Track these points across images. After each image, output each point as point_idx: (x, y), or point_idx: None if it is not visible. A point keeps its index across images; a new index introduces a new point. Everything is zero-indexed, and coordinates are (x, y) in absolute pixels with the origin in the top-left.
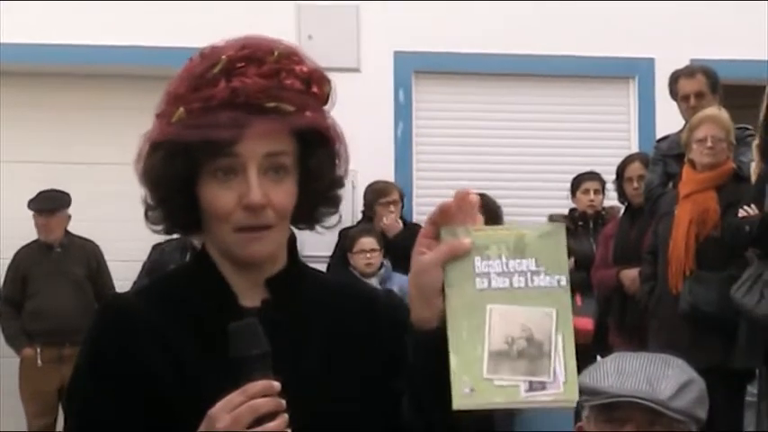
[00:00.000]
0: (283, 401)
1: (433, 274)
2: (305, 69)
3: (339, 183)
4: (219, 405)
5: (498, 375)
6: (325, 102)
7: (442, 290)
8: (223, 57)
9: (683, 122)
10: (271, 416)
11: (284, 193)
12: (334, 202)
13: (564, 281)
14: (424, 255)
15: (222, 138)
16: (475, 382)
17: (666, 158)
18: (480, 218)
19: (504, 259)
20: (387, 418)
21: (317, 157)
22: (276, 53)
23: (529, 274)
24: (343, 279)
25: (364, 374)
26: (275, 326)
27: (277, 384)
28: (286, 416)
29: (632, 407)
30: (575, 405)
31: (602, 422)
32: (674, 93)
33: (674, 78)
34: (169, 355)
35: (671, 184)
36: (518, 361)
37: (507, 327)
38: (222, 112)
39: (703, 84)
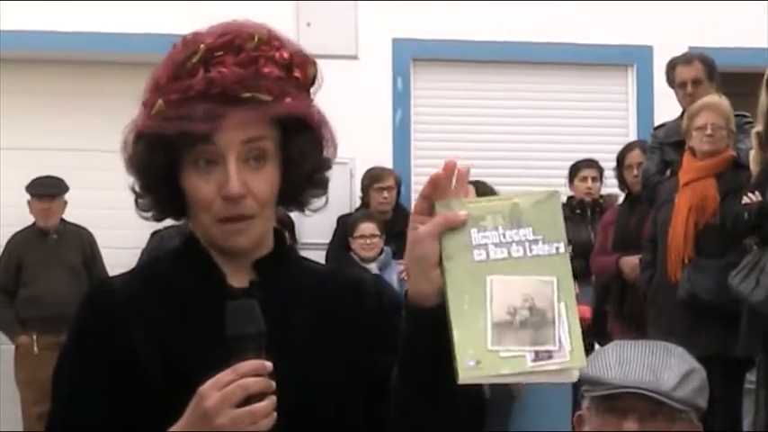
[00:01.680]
0: (273, 383)
1: (429, 246)
2: (285, 55)
3: (324, 165)
4: (209, 383)
5: (503, 346)
6: (310, 85)
7: (440, 263)
8: (202, 45)
9: (681, 110)
10: (260, 396)
11: (265, 182)
12: (321, 185)
13: (562, 247)
14: (417, 229)
15: (198, 130)
16: (480, 354)
17: (664, 146)
18: (472, 189)
19: (500, 230)
20: (371, 400)
21: (298, 142)
22: (256, 39)
23: (527, 244)
24: (330, 265)
25: (350, 357)
26: (263, 306)
27: (269, 365)
28: (274, 398)
29: (635, 397)
30: (579, 374)
31: (603, 412)
32: (671, 80)
33: (672, 66)
34: (152, 335)
35: (668, 172)
36: (522, 331)
37: (509, 297)
38: (198, 103)
39: (700, 71)
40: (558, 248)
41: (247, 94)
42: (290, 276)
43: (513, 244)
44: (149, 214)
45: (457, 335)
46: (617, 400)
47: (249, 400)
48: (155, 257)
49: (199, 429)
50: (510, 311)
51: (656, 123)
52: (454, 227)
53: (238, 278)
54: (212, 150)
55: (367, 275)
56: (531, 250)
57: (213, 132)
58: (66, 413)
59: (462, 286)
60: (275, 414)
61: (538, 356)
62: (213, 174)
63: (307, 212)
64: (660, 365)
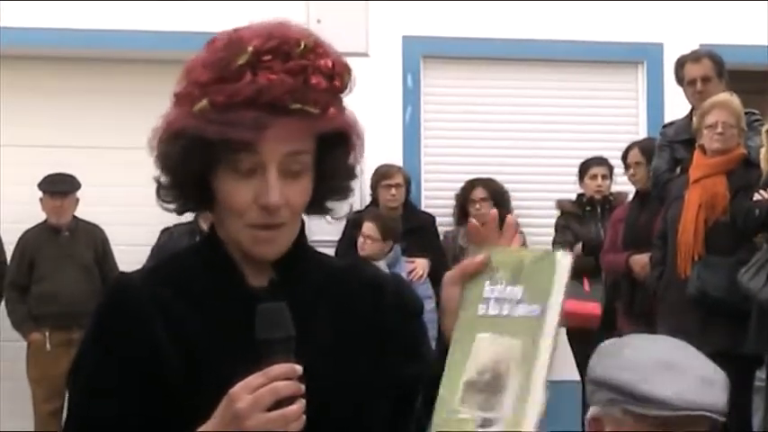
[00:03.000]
0: (302, 386)
1: (451, 291)
2: (329, 64)
3: (352, 174)
4: (240, 385)
5: (464, 407)
6: (345, 91)
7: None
8: (249, 48)
9: (691, 107)
10: (290, 400)
11: (301, 192)
12: (346, 194)
13: (539, 310)
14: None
15: (244, 138)
16: (450, 410)
17: (674, 144)
18: (519, 239)
19: (504, 285)
20: (389, 404)
21: (334, 156)
22: (303, 45)
23: (514, 302)
24: (350, 261)
25: (368, 356)
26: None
27: (299, 368)
28: (304, 401)
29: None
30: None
31: (650, 425)
32: (680, 78)
33: (681, 63)
34: (174, 333)
35: (678, 170)
36: (480, 394)
37: (484, 357)
38: (246, 110)
39: (709, 68)
40: (538, 310)
41: (296, 106)
42: (309, 274)
43: (506, 302)
44: (171, 206)
45: (442, 386)
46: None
47: (280, 403)
48: (174, 254)
49: (229, 430)
50: (480, 372)
51: (666, 121)
52: (474, 274)
53: (258, 276)
54: (254, 159)
55: (388, 275)
56: (514, 310)
57: (258, 142)
58: (84, 410)
59: (461, 338)
60: (305, 417)
61: (483, 423)
62: (251, 181)
63: (328, 219)
64: (710, 378)
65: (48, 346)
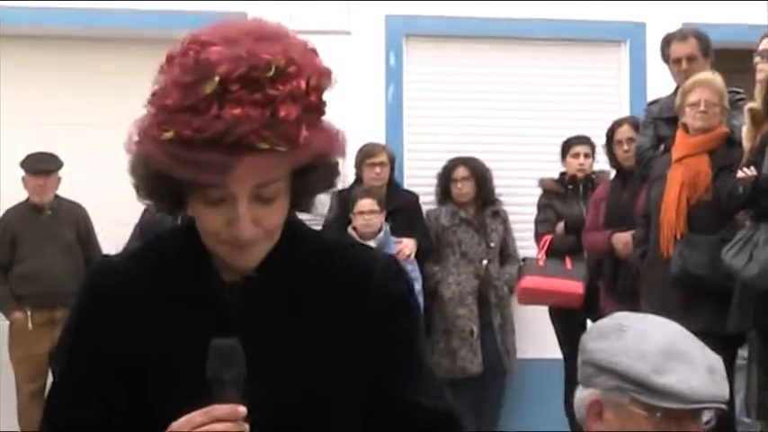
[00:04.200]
0: (246, 426)
1: None
2: (302, 85)
3: (333, 184)
4: (181, 421)
5: None
6: (322, 102)
7: None
8: (216, 77)
9: (676, 86)
10: None
11: (275, 213)
12: (329, 189)
13: None
14: None
15: (209, 182)
16: None
17: (657, 121)
18: None
19: None
20: (366, 396)
21: (310, 178)
22: (273, 69)
23: None
24: (341, 242)
25: (342, 370)
26: (254, 303)
27: (243, 410)
28: None
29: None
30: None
31: (661, 417)
32: (665, 56)
33: (666, 42)
34: (147, 324)
35: (662, 148)
36: None
37: None
38: (211, 150)
39: (695, 47)
40: None
41: (264, 146)
42: (291, 266)
43: None
44: (149, 204)
45: None
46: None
47: None
48: (156, 237)
49: None
50: None
51: (649, 100)
52: None
53: (236, 271)
54: (222, 192)
55: (380, 258)
56: None
57: (224, 182)
58: (60, 398)
59: None
60: None
61: None
62: (222, 208)
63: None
64: (713, 364)
65: (30, 325)
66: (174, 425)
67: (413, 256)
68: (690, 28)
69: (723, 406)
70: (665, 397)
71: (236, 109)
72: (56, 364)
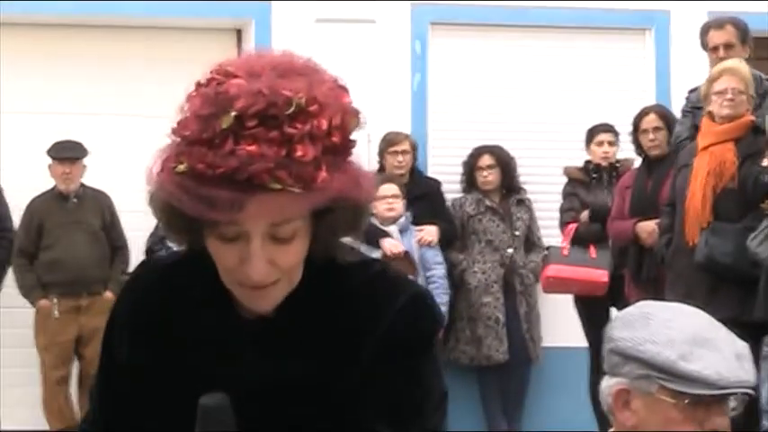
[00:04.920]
0: None
1: None
2: (323, 125)
3: (359, 224)
4: None
5: None
6: (348, 142)
7: None
8: (233, 112)
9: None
10: None
11: (291, 254)
12: (356, 232)
13: None
14: None
15: (219, 219)
16: None
17: (695, 110)
18: None
19: None
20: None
21: (332, 216)
22: (293, 105)
23: None
24: (368, 275)
25: (353, 381)
26: (267, 331)
27: None
28: None
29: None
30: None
31: (687, 404)
32: (704, 44)
33: (705, 30)
34: (158, 346)
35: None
36: None
37: None
38: (223, 187)
39: (733, 35)
40: None
41: (276, 186)
42: (308, 308)
43: None
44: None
45: None
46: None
47: None
48: (190, 255)
49: None
50: None
51: (674, 88)
52: None
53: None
54: (237, 229)
55: (404, 297)
56: None
57: (235, 220)
58: (94, 393)
59: None
60: None
61: None
62: (237, 246)
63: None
64: (739, 350)
65: (56, 312)
66: None
67: (434, 242)
68: (728, 16)
69: (751, 391)
70: (693, 383)
71: (252, 146)
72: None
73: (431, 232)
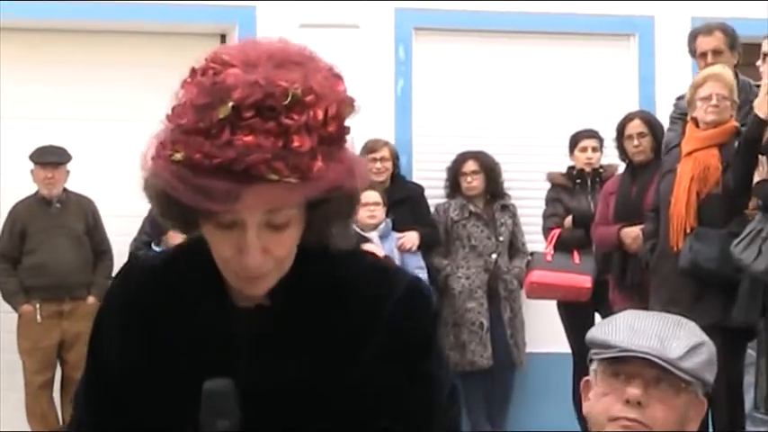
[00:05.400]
0: None
1: None
2: (319, 115)
3: (351, 213)
4: None
5: None
6: (344, 131)
7: None
8: (230, 102)
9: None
10: None
11: (286, 242)
12: (348, 219)
13: None
14: None
15: (215, 209)
16: None
17: (685, 116)
18: None
19: None
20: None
21: (327, 205)
22: (290, 96)
23: None
24: (358, 266)
25: (355, 381)
26: (264, 329)
27: None
28: None
29: (641, 363)
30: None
31: (609, 376)
32: (692, 50)
33: (693, 36)
34: (152, 342)
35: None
36: None
37: None
38: (219, 177)
39: (721, 41)
40: None
41: (274, 177)
42: (302, 293)
43: None
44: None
45: None
46: (623, 364)
47: None
48: (180, 250)
49: None
50: None
51: (658, 94)
52: None
53: (249, 297)
54: (233, 217)
55: (399, 287)
56: None
57: (232, 210)
58: (79, 395)
59: None
60: None
61: None
62: (232, 234)
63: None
64: (669, 335)
65: (38, 317)
66: None
67: (415, 248)
68: (716, 22)
69: (659, 361)
70: (603, 349)
71: (249, 137)
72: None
73: (411, 238)
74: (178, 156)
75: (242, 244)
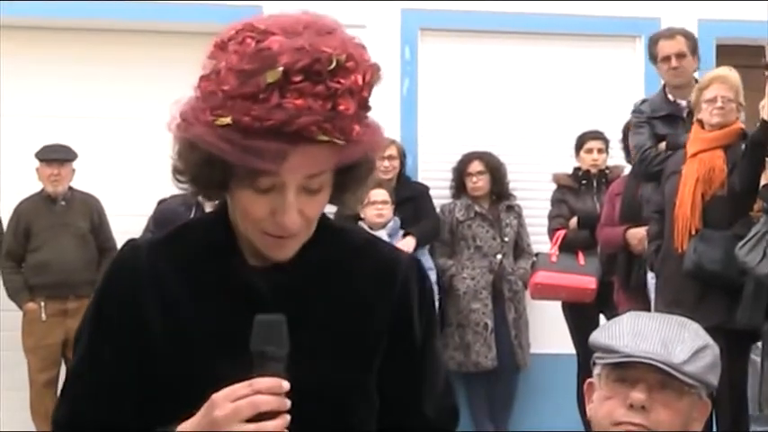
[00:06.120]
0: (288, 402)
1: None
2: (359, 80)
3: (371, 173)
4: (223, 393)
5: None
6: (371, 95)
7: None
8: (280, 67)
9: (663, 84)
10: (273, 414)
11: (318, 205)
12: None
13: None
14: None
15: (265, 168)
16: None
17: (653, 121)
18: None
19: None
20: (374, 403)
21: (355, 172)
22: (334, 62)
23: None
24: (369, 238)
25: (367, 345)
26: (280, 289)
27: (286, 384)
28: (287, 416)
29: (645, 368)
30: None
31: (613, 381)
32: (653, 55)
33: (654, 41)
34: (168, 316)
35: (662, 146)
36: None
37: None
38: (269, 139)
39: (683, 44)
40: None
41: (324, 138)
42: (315, 258)
43: None
44: (186, 188)
45: None
46: (627, 369)
47: (261, 416)
48: (183, 226)
49: None
50: None
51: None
52: None
53: (262, 256)
54: (273, 180)
55: (404, 257)
56: None
57: (279, 170)
58: (80, 374)
59: None
60: None
61: None
62: (269, 197)
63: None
64: (673, 339)
65: (43, 315)
66: (217, 396)
67: (411, 249)
68: (677, 27)
69: (664, 366)
70: (607, 353)
71: (299, 100)
72: (76, 342)
73: (407, 244)
74: (225, 120)
75: (278, 205)
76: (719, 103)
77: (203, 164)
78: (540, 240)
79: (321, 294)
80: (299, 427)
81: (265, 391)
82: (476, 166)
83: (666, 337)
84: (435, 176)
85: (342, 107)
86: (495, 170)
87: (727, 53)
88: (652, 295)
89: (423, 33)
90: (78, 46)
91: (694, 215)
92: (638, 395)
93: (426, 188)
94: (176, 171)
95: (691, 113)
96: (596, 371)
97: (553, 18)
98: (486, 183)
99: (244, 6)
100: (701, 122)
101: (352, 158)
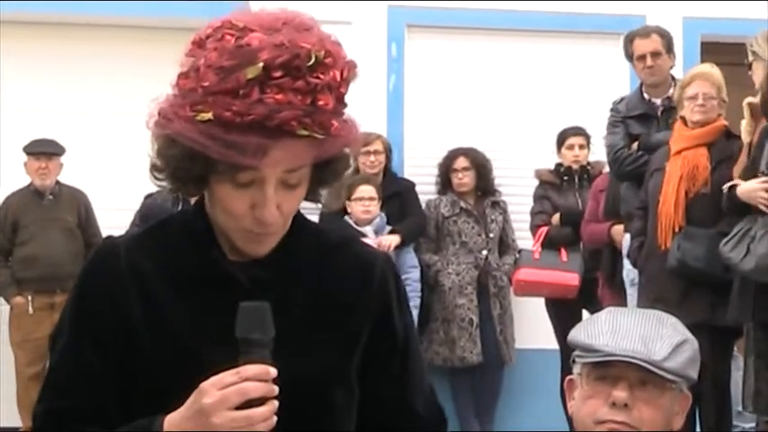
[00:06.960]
0: (275, 388)
1: None
2: (337, 77)
3: (347, 169)
4: (211, 381)
5: None
6: (348, 91)
7: None
8: (260, 63)
9: (640, 83)
10: (261, 401)
11: (296, 200)
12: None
13: None
14: None
15: (246, 164)
16: None
17: (627, 120)
18: None
19: None
20: (361, 382)
21: (332, 167)
22: (313, 57)
23: None
24: (345, 236)
25: (346, 336)
26: (259, 283)
27: (273, 371)
28: (276, 402)
29: (626, 366)
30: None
31: (594, 379)
32: (628, 54)
33: (629, 40)
34: (149, 310)
35: (635, 146)
36: None
37: None
38: (250, 134)
39: (659, 43)
40: None
41: (304, 132)
42: (294, 253)
43: None
44: (164, 185)
45: None
46: (608, 368)
47: (250, 403)
48: (162, 222)
49: (195, 423)
50: None
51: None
52: None
53: (241, 251)
54: (253, 174)
55: (380, 256)
56: None
57: (260, 165)
58: (61, 368)
59: None
60: (275, 419)
61: None
62: (249, 191)
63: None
64: (652, 335)
65: (30, 309)
66: (205, 384)
67: (392, 248)
68: (652, 25)
69: (644, 364)
70: (587, 352)
71: (279, 95)
72: (54, 338)
73: (391, 240)
74: (206, 115)
75: (258, 200)
76: (701, 101)
77: (183, 159)
78: (525, 236)
79: (298, 290)
80: (278, 414)
81: (253, 377)
82: (461, 162)
83: (646, 333)
84: (421, 172)
85: (321, 102)
86: (481, 166)
87: (711, 50)
88: (628, 290)
89: (409, 30)
90: (65, 41)
91: (678, 213)
92: (619, 394)
93: (412, 184)
94: (155, 168)
95: (665, 112)
96: (576, 369)
97: (539, 15)
98: (472, 179)
99: (231, 4)
100: (684, 120)
101: (331, 153)
